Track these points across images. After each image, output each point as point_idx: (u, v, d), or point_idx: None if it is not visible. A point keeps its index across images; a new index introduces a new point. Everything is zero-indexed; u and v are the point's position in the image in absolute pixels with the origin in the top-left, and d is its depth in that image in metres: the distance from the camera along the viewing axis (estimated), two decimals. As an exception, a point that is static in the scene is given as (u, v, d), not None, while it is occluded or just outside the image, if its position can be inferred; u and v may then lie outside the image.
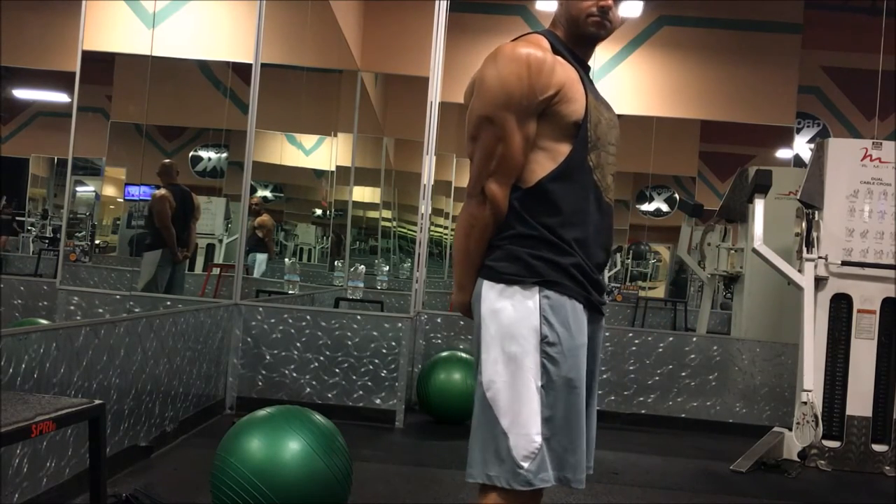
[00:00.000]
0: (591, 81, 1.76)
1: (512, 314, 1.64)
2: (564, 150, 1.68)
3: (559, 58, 1.69)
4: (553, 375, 1.63)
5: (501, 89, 1.64)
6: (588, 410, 1.73)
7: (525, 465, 1.61)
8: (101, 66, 5.26)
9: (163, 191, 5.50)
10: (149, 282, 5.29)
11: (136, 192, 6.09)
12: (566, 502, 3.24)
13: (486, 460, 1.64)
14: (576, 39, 1.75)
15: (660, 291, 8.61)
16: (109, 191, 6.30)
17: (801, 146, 7.30)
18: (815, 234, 4.41)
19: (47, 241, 7.19)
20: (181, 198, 5.55)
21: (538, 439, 1.61)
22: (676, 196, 8.08)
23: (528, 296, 1.65)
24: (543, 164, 1.67)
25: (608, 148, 1.75)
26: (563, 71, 1.67)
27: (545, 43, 1.71)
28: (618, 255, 8.30)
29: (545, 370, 1.63)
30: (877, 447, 4.36)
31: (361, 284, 6.02)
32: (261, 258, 6.73)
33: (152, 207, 5.50)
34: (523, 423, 1.62)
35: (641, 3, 6.58)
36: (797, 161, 7.10)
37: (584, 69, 1.75)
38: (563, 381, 1.64)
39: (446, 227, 8.37)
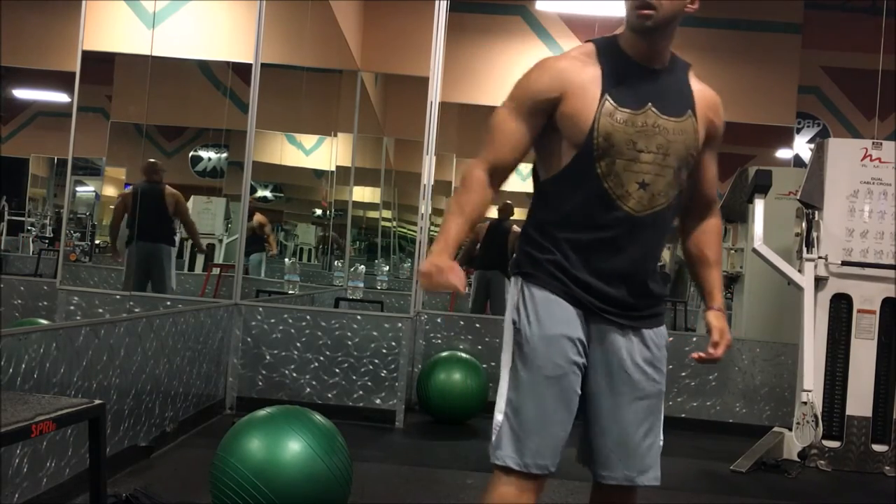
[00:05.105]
0: (641, 81, 1.73)
1: (509, 303, 1.82)
2: (570, 155, 1.73)
3: (579, 63, 1.72)
4: (517, 361, 1.75)
5: (513, 87, 1.80)
6: (617, 411, 1.76)
7: (492, 439, 1.76)
8: (101, 66, 5.25)
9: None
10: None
11: (136, 192, 6.08)
12: (566, 502, 3.23)
13: None
14: (633, 37, 1.74)
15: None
16: (109, 191, 6.30)
17: (801, 146, 7.28)
18: (815, 234, 4.40)
19: (47, 240, 7.20)
20: None
21: (499, 417, 1.76)
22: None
23: (515, 286, 1.81)
24: (549, 167, 1.78)
25: (640, 156, 1.69)
26: (576, 77, 1.70)
27: (581, 50, 1.76)
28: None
29: (512, 355, 1.77)
30: (877, 447, 4.35)
31: (361, 284, 6.03)
32: (254, 258, 6.73)
33: (177, 203, 5.51)
34: (496, 401, 1.79)
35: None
36: (797, 161, 7.09)
37: (639, 71, 1.73)
38: (530, 367, 1.73)
39: (446, 228, 8.34)
